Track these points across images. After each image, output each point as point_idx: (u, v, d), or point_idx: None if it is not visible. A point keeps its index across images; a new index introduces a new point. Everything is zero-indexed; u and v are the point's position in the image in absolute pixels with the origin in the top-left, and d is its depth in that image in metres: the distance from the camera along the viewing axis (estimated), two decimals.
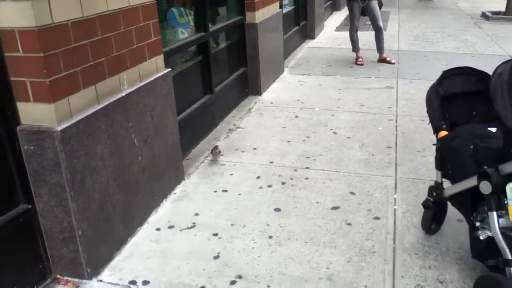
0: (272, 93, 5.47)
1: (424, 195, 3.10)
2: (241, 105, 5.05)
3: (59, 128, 2.14)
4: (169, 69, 3.15)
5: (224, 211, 3.05)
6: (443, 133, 2.46)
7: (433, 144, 2.57)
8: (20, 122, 2.18)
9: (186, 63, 3.96)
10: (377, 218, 2.94)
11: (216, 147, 3.71)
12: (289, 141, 4.10)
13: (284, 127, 4.42)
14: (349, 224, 2.88)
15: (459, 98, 2.62)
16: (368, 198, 3.16)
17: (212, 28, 4.25)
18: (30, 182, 2.25)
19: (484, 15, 10.45)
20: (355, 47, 6.85)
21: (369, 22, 6.97)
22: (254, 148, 3.98)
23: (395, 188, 3.29)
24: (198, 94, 4.18)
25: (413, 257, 2.57)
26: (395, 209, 3.03)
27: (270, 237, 2.77)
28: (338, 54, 7.27)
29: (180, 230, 2.86)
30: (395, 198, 3.16)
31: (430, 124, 2.65)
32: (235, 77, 4.94)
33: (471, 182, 2.17)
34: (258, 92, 5.30)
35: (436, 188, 2.61)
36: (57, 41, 2.12)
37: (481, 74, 2.61)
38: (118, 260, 2.60)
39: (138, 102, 2.78)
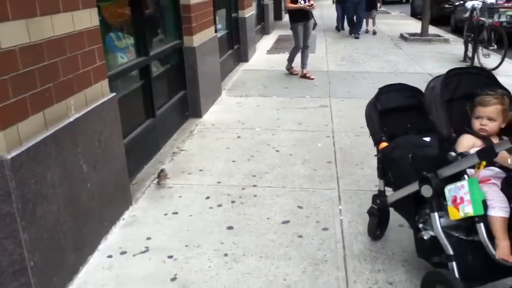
0: (213, 115, 5.55)
1: (366, 205, 3.30)
2: (183, 128, 5.08)
3: (9, 156, 2.07)
4: (114, 94, 3.14)
5: (177, 233, 3.05)
6: (384, 144, 2.66)
7: (375, 155, 2.75)
8: None
9: (128, 88, 3.94)
10: (325, 229, 3.08)
11: (162, 170, 3.71)
12: (234, 161, 4.18)
13: (228, 148, 4.50)
14: (300, 236, 2.99)
15: (395, 112, 2.84)
16: (315, 211, 3.30)
17: (152, 52, 4.27)
18: None
19: (402, 37, 11.27)
20: (291, 60, 7.55)
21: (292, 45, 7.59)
22: (201, 170, 4.01)
23: (339, 199, 3.46)
24: (141, 118, 4.16)
25: (363, 262, 2.72)
26: (341, 220, 3.19)
27: (226, 254, 2.81)
28: (273, 76, 7.52)
29: (133, 255, 2.82)
30: (340, 209, 3.32)
31: (370, 137, 2.84)
32: (176, 100, 4.97)
33: (412, 187, 2.36)
34: (198, 114, 5.35)
35: (379, 196, 2.79)
36: (5, 67, 2.08)
37: (414, 90, 2.86)
38: None
39: (86, 127, 2.74)
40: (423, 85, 5.31)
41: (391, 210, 2.86)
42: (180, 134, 4.89)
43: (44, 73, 2.36)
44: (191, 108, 5.32)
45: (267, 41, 11.14)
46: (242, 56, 8.43)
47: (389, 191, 2.74)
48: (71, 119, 2.59)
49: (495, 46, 7.72)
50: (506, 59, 7.57)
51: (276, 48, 10.26)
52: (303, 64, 7.40)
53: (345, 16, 12.30)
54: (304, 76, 7.35)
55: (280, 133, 4.90)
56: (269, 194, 3.56)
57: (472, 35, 8.11)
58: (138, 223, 3.18)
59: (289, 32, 11.63)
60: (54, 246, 2.41)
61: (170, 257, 2.79)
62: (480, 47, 7.98)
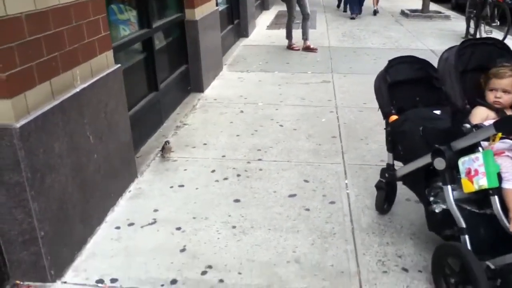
0: (214, 90, 5.49)
1: (372, 179, 3.30)
2: (185, 102, 5.03)
3: (18, 125, 2.04)
4: (119, 65, 3.08)
5: (184, 206, 3.04)
6: (394, 117, 2.63)
7: (384, 128, 2.73)
8: None
9: (131, 60, 3.87)
10: (332, 202, 3.07)
11: (167, 142, 3.68)
12: (238, 135, 4.15)
13: (231, 122, 4.46)
14: (308, 209, 2.99)
15: (404, 85, 2.80)
16: (321, 185, 3.29)
17: (154, 24, 4.19)
18: None
19: (403, 13, 11.14)
20: (290, 35, 7.44)
21: (297, 21, 7.55)
22: (205, 144, 3.99)
23: (345, 174, 3.45)
24: (144, 91, 4.11)
25: (371, 235, 2.72)
26: (348, 193, 3.18)
27: (234, 227, 2.81)
28: (273, 52, 7.43)
29: (141, 227, 2.81)
30: (346, 183, 3.32)
31: (378, 111, 2.82)
32: (178, 75, 4.91)
33: (424, 160, 2.35)
34: (200, 89, 5.30)
35: (388, 170, 2.78)
36: (12, 34, 2.02)
37: (423, 63, 2.82)
38: (80, 260, 2.51)
39: (92, 98, 2.70)
40: None
41: (398, 184, 2.87)
42: (182, 109, 4.85)
43: (50, 42, 2.30)
44: (193, 83, 5.26)
45: (266, 17, 10.99)
46: (242, 31, 8.32)
47: (397, 165, 2.73)
48: (78, 90, 2.54)
49: (498, 22, 7.65)
50: (508, 36, 7.51)
51: (275, 23, 10.13)
52: (305, 35, 7.39)
53: None
54: (307, 48, 7.35)
55: (283, 108, 4.86)
56: (274, 168, 3.55)
57: (475, 11, 8.03)
58: (144, 196, 3.17)
59: None
60: (63, 217, 2.39)
61: (178, 229, 2.79)
62: (482, 24, 7.90)
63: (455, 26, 9.67)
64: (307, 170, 3.51)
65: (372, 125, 4.37)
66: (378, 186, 2.88)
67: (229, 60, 6.88)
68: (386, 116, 2.71)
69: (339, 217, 2.91)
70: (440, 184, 2.34)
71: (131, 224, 2.84)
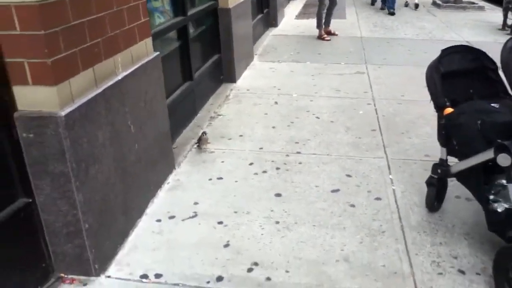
0: (246, 80, 5.38)
1: (417, 175, 3.17)
2: (218, 93, 4.93)
3: (63, 113, 1.96)
4: (158, 53, 2.99)
5: (224, 199, 2.95)
6: (449, 110, 2.48)
7: (439, 122, 2.57)
8: (16, 108, 1.98)
9: (166, 49, 3.78)
10: (378, 198, 2.94)
11: (204, 133, 3.59)
12: (274, 127, 4.04)
13: (266, 114, 4.35)
14: (353, 205, 2.87)
15: (457, 76, 2.65)
16: (365, 180, 3.16)
17: (189, 12, 4.09)
18: (29, 173, 2.06)
19: (435, 4, 10.82)
20: (320, 24, 7.34)
21: (325, 10, 7.42)
22: (240, 135, 3.88)
23: (389, 169, 3.31)
24: (179, 81, 4.02)
25: (422, 234, 2.59)
26: (394, 190, 3.04)
27: (277, 222, 2.71)
28: (304, 42, 7.27)
29: (182, 220, 2.73)
30: (391, 179, 3.18)
31: (431, 102, 2.66)
32: (211, 64, 4.81)
33: (485, 156, 2.20)
34: (233, 79, 5.19)
35: (440, 165, 2.64)
36: (57, 18, 1.94)
37: (478, 53, 2.66)
38: (123, 254, 2.44)
39: (133, 86, 2.61)
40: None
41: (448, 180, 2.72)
42: (215, 99, 4.75)
43: (93, 28, 2.21)
44: (225, 72, 5.15)
45: (294, 6, 10.79)
46: (271, 21, 8.16)
47: (451, 160, 2.58)
48: (119, 77, 2.46)
49: None
50: None
51: (304, 13, 9.94)
52: (328, 21, 7.48)
53: None
54: (329, 33, 7.47)
55: (318, 99, 4.72)
56: (314, 161, 3.43)
57: None
58: (183, 188, 3.09)
59: None
60: (106, 208, 2.32)
61: (220, 223, 2.70)
62: None
63: (490, 17, 9.34)
64: (349, 164, 3.37)
65: (412, 118, 4.20)
66: (429, 183, 2.73)
67: (259, 50, 6.75)
68: (439, 108, 2.56)
69: (386, 214, 2.78)
70: (503, 181, 2.19)
71: (172, 217, 2.76)
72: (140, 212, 2.74)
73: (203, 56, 4.67)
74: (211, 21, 4.89)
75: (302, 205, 2.87)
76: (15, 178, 2.04)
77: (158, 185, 3.04)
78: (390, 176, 3.20)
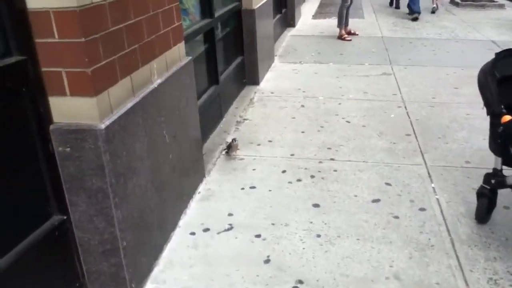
0: (269, 82, 5.24)
1: (461, 184, 3.03)
2: (241, 96, 4.80)
3: (103, 126, 1.84)
4: (191, 57, 2.87)
5: (259, 210, 2.82)
6: (507, 117, 2.33)
7: (499, 131, 2.39)
8: (52, 121, 1.86)
9: (194, 52, 3.65)
10: (422, 209, 2.79)
11: (234, 140, 3.45)
12: (303, 132, 3.90)
13: (294, 118, 4.21)
14: (396, 217, 2.72)
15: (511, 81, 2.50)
16: (406, 189, 3.01)
17: (216, 14, 3.96)
18: (64, 189, 1.94)
19: (453, 2, 10.59)
20: (341, 23, 7.22)
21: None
22: (270, 141, 3.75)
23: (430, 176, 3.16)
24: (206, 85, 3.90)
25: (474, 249, 2.44)
26: (437, 199, 2.90)
27: (318, 235, 2.57)
28: (324, 42, 7.11)
29: (218, 233, 2.60)
30: (433, 187, 3.03)
31: (484, 108, 2.51)
32: (235, 67, 4.67)
33: None
34: (256, 81, 5.06)
35: (495, 175, 2.49)
36: (97, 24, 1.82)
37: None
38: (158, 270, 2.32)
39: (168, 93, 2.49)
40: (488, 52, 4.98)
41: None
42: (240, 102, 4.62)
43: (131, 33, 2.09)
44: (248, 75, 5.02)
45: (310, 6, 10.62)
46: (289, 21, 8.01)
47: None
48: (155, 85, 2.33)
49: None
50: None
51: (320, 13, 9.77)
52: (347, 21, 7.37)
53: None
54: (349, 33, 7.35)
55: (346, 102, 4.57)
56: (350, 168, 3.28)
57: None
58: (215, 198, 2.96)
59: None
60: (142, 224, 2.20)
61: (258, 236, 2.57)
62: None
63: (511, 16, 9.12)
64: (386, 172, 3.23)
65: (447, 122, 4.05)
66: (480, 193, 2.58)
67: (280, 50, 6.61)
68: (495, 116, 2.40)
69: (433, 227, 2.63)
70: None
71: (206, 230, 2.63)
72: (173, 225, 2.62)
73: (227, 58, 4.54)
74: (235, 22, 4.76)
75: (342, 216, 2.74)
76: (49, 194, 1.93)
77: (190, 195, 2.91)
78: (432, 185, 3.05)
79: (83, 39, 1.72)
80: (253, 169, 3.30)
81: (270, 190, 3.03)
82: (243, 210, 2.81)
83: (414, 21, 8.46)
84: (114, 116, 1.93)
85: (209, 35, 3.85)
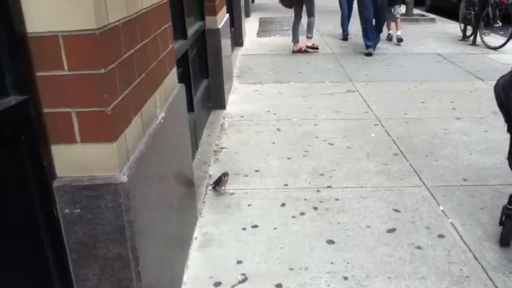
0: (235, 105, 4.95)
1: (468, 204, 2.94)
2: (210, 122, 4.47)
3: (125, 177, 1.46)
4: (182, 84, 2.53)
5: (271, 253, 2.51)
6: None
7: None
8: (55, 175, 1.45)
9: None
10: (441, 236, 2.63)
11: (225, 175, 3.11)
12: (289, 158, 3.65)
13: (273, 143, 3.95)
14: (419, 247, 2.53)
15: None
16: (416, 214, 2.85)
17: (189, 34, 3.63)
18: (69, 261, 1.52)
19: None
20: (296, 37, 7.30)
21: (284, 28, 7.68)
22: (256, 170, 3.45)
23: (434, 199, 3.02)
24: None
25: (510, 276, 2.30)
26: (451, 223, 2.75)
27: (345, 278, 2.31)
28: (278, 61, 6.96)
29: (232, 287, 2.26)
30: (442, 210, 2.89)
31: (505, 126, 2.41)
32: (203, 91, 4.35)
33: None
34: (222, 105, 4.75)
35: None
36: (113, 50, 1.46)
37: None
38: None
39: (170, 127, 2.13)
40: (437, 65, 5.07)
41: None
42: (210, 129, 4.28)
43: (139, 60, 1.73)
44: (214, 99, 4.70)
45: (250, 24, 10.49)
46: (238, 40, 7.80)
47: None
48: (161, 120, 1.98)
49: (500, 23, 7.51)
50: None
51: (263, 31, 9.68)
52: (311, 32, 7.40)
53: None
54: (311, 47, 7.40)
55: (322, 123, 4.40)
56: (352, 196, 3.07)
57: (473, 12, 7.86)
58: (216, 243, 2.61)
59: (270, 14, 11.16)
60: None
61: (279, 286, 2.25)
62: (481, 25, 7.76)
63: (446, 28, 9.57)
64: (390, 197, 3.05)
65: (428, 138, 3.99)
66: (508, 215, 2.45)
67: (235, 71, 6.35)
68: None
69: (459, 255, 2.47)
70: None
71: (217, 284, 2.28)
72: (178, 283, 2.23)
73: (196, 82, 4.20)
74: (198, 43, 4.44)
75: (363, 252, 2.50)
76: (51, 268, 1.51)
77: (188, 242, 2.54)
78: (441, 208, 2.91)
79: (102, 70, 1.35)
80: (249, 205, 2.99)
81: (275, 228, 2.73)
82: (253, 255, 2.49)
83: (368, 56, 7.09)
84: (132, 164, 1.55)
85: (183, 58, 3.50)
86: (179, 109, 2.37)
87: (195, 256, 2.49)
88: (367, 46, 7.15)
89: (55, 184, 1.44)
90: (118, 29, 1.49)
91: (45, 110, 1.38)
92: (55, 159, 1.44)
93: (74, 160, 1.44)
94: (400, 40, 7.90)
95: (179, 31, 3.43)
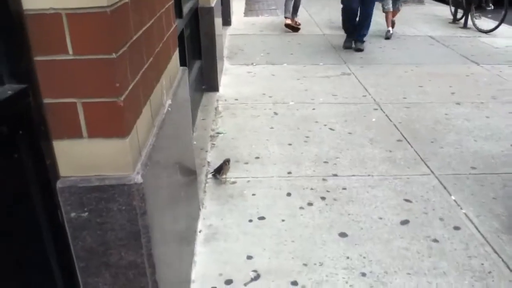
0: (229, 88, 4.75)
1: (480, 194, 2.86)
2: (203, 105, 4.26)
3: (139, 177, 1.28)
4: (185, 67, 2.33)
5: (281, 247, 2.36)
6: None
7: None
8: (59, 175, 1.26)
9: None
10: (457, 228, 2.53)
11: (227, 162, 2.94)
12: (290, 144, 3.49)
13: (272, 128, 3.78)
14: (436, 241, 2.42)
15: None
16: (428, 205, 2.73)
17: (184, 13, 3.40)
18: (77, 270, 1.35)
19: None
20: (287, 11, 7.14)
21: (272, 8, 7.66)
22: (257, 157, 3.29)
23: (445, 188, 2.91)
24: None
25: None
26: (465, 214, 2.65)
27: (363, 274, 2.18)
28: (269, 41, 6.74)
29: (245, 285, 2.11)
30: (454, 200, 2.78)
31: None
32: (196, 73, 4.13)
33: None
34: (215, 88, 4.55)
35: None
36: (124, 32, 1.26)
37: None
38: None
39: (176, 116, 1.94)
40: (431, 48, 4.94)
41: None
42: (205, 113, 4.09)
43: (147, 41, 1.53)
44: (206, 81, 4.49)
45: (236, 3, 10.16)
46: (226, 19, 7.52)
47: None
48: (167, 107, 1.79)
49: (492, 6, 7.42)
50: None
51: (250, 10, 9.41)
52: (296, 12, 7.38)
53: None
54: (295, 24, 7.39)
55: (320, 107, 4.24)
56: (359, 185, 2.94)
57: None
58: (222, 236, 2.45)
59: None
60: None
61: (295, 284, 2.12)
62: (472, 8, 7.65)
63: (434, 11, 9.47)
64: (399, 186, 2.93)
65: (431, 124, 3.88)
66: None
67: (225, 51, 6.11)
68: None
69: (478, 248, 2.36)
70: None
71: (228, 282, 2.13)
72: (187, 282, 2.08)
73: (190, 64, 3.98)
74: (191, 23, 4.20)
75: (378, 246, 2.37)
76: (57, 278, 1.33)
77: (193, 236, 2.38)
78: (453, 197, 2.81)
79: (113, 55, 1.15)
80: (253, 194, 2.83)
81: (283, 220, 2.58)
82: (263, 250, 2.34)
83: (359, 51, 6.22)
84: (145, 160, 1.37)
85: (179, 39, 3.27)
86: (183, 95, 2.18)
87: (201, 252, 2.33)
88: (360, 39, 6.23)
89: (59, 185, 1.25)
90: (127, 7, 1.28)
91: (46, 101, 1.18)
92: (58, 156, 1.25)
93: (80, 158, 1.25)
94: (387, 37, 6.93)
95: (175, 9, 3.19)
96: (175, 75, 2.09)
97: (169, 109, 1.78)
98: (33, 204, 1.22)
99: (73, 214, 1.28)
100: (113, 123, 1.21)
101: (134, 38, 1.35)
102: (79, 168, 1.26)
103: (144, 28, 1.48)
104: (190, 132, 2.38)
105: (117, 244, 1.32)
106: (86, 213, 1.28)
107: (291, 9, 7.12)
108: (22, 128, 1.13)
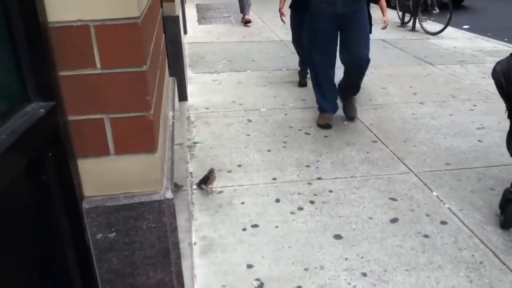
0: (197, 97, 4.70)
1: (459, 188, 2.99)
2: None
3: (170, 192, 1.24)
4: (174, 78, 2.28)
5: (279, 254, 2.36)
6: None
7: None
8: (83, 195, 1.20)
9: None
10: (444, 222, 2.62)
11: (212, 172, 2.90)
12: (269, 151, 3.49)
13: (248, 135, 3.78)
14: (426, 236, 2.50)
15: None
16: (413, 202, 2.82)
17: None
18: None
19: None
20: (242, 9, 8.40)
21: (225, 15, 7.96)
22: (239, 165, 3.27)
23: (425, 185, 3.02)
24: None
25: None
26: (449, 208, 2.76)
27: (364, 274, 2.21)
28: (228, 49, 6.73)
29: None
30: (437, 196, 2.88)
31: (506, 112, 2.42)
32: None
33: None
34: (184, 97, 4.47)
35: None
36: (148, 42, 1.21)
37: None
38: None
39: (175, 128, 1.90)
40: (384, 51, 5.13)
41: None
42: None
43: (156, 52, 1.49)
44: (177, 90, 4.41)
45: (189, 11, 10.10)
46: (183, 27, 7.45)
47: None
48: (172, 120, 1.74)
49: (438, 10, 7.79)
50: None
51: (203, 18, 9.36)
52: (248, 9, 8.34)
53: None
54: (248, 21, 8.30)
55: (292, 112, 4.28)
56: (344, 187, 2.99)
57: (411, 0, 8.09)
58: (219, 247, 2.41)
59: (206, 1, 10.87)
60: None
61: None
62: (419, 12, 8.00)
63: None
64: (382, 186, 3.00)
65: (400, 124, 4.01)
66: (509, 199, 2.48)
67: (186, 60, 6.04)
68: None
69: (467, 241, 2.46)
70: None
71: None
72: None
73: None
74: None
75: (374, 245, 2.42)
76: None
77: (188, 248, 2.32)
78: (435, 193, 2.91)
79: (144, 67, 1.11)
80: (242, 203, 2.81)
81: (277, 227, 2.58)
82: (262, 258, 2.32)
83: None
84: (169, 175, 1.33)
85: None
86: (177, 106, 2.13)
87: (200, 264, 2.28)
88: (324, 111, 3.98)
89: (85, 205, 1.18)
90: (147, 17, 1.24)
91: (71, 118, 1.12)
92: (83, 176, 1.18)
93: (106, 176, 1.19)
94: None
95: None
96: (168, 85, 2.04)
97: (173, 121, 1.73)
98: (59, 229, 1.14)
99: (99, 236, 1.21)
100: (143, 138, 1.17)
101: (151, 48, 1.31)
102: (105, 187, 1.20)
103: (154, 39, 1.44)
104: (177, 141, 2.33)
105: (145, 264, 1.27)
106: (114, 234, 1.22)
107: (245, 6, 8.30)
108: (51, 149, 1.07)
